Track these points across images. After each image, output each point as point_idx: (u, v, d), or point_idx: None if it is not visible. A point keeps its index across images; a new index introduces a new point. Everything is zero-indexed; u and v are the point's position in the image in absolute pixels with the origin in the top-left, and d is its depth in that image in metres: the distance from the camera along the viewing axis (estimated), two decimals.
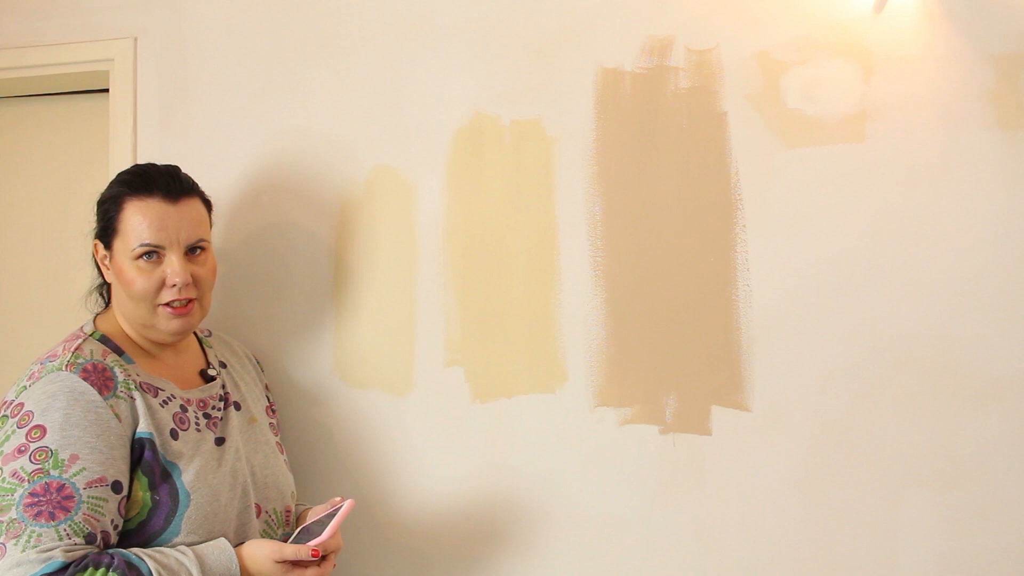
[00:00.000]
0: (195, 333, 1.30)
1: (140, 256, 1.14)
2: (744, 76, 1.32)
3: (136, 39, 1.59)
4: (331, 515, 1.13)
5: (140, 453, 1.08)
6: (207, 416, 1.19)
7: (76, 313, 1.71)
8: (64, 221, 1.73)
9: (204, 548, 1.05)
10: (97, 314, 1.23)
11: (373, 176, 1.47)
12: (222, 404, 1.23)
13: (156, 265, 1.14)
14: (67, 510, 0.98)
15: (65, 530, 0.97)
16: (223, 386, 1.26)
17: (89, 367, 1.08)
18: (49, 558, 0.94)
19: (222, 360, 1.31)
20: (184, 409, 1.16)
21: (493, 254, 1.42)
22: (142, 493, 1.07)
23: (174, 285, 1.14)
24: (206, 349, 1.30)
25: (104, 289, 1.27)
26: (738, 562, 1.31)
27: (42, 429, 1.01)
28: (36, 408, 1.03)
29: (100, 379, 1.08)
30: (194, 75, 1.57)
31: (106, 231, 1.18)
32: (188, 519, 1.08)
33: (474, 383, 1.41)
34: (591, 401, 1.37)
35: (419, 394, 1.44)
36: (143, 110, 1.59)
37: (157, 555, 1.01)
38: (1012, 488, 1.22)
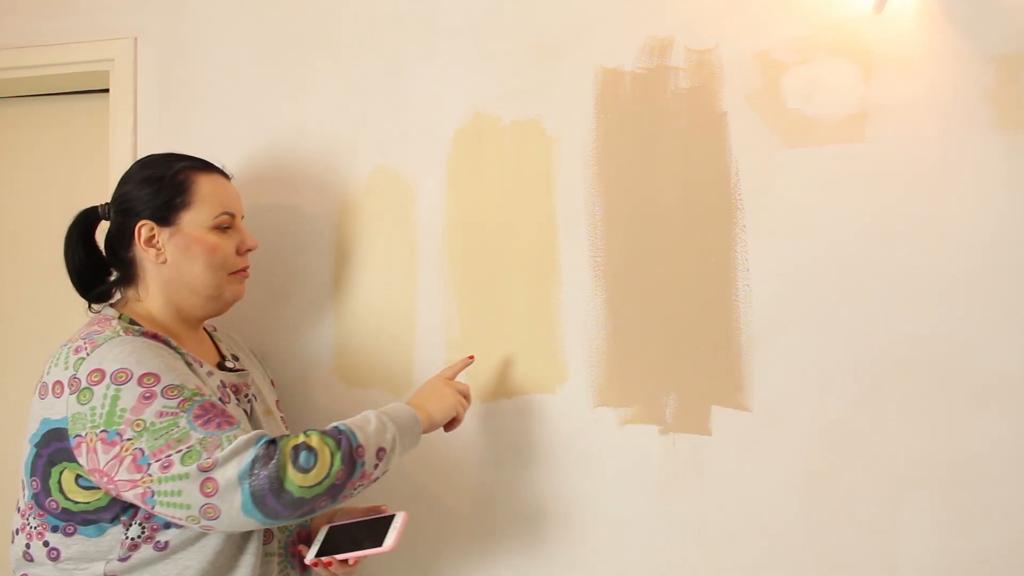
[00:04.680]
0: (204, 327, 1.30)
1: (218, 226, 1.19)
2: (744, 76, 1.32)
3: (136, 39, 1.60)
4: (377, 520, 1.17)
5: None
6: (238, 402, 1.19)
7: (75, 313, 1.71)
8: (64, 221, 1.73)
9: (387, 408, 1.13)
10: (108, 305, 1.20)
11: (373, 176, 1.47)
12: (248, 396, 1.23)
13: (228, 233, 1.21)
14: (229, 419, 1.01)
15: (243, 429, 1.02)
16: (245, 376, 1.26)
17: (146, 333, 1.09)
18: (257, 435, 1.00)
19: (233, 354, 1.31)
20: (222, 385, 1.16)
21: (493, 254, 1.42)
22: None
23: (248, 250, 1.24)
24: (217, 343, 1.30)
25: (125, 279, 1.21)
26: (738, 562, 1.31)
27: (153, 376, 1.01)
28: (126, 363, 1.01)
29: (159, 340, 1.09)
30: (194, 75, 1.57)
31: (168, 207, 1.17)
32: None
33: (474, 383, 1.41)
34: (591, 401, 1.37)
35: None
36: (143, 110, 1.59)
37: (343, 421, 1.08)
38: (1012, 488, 1.22)
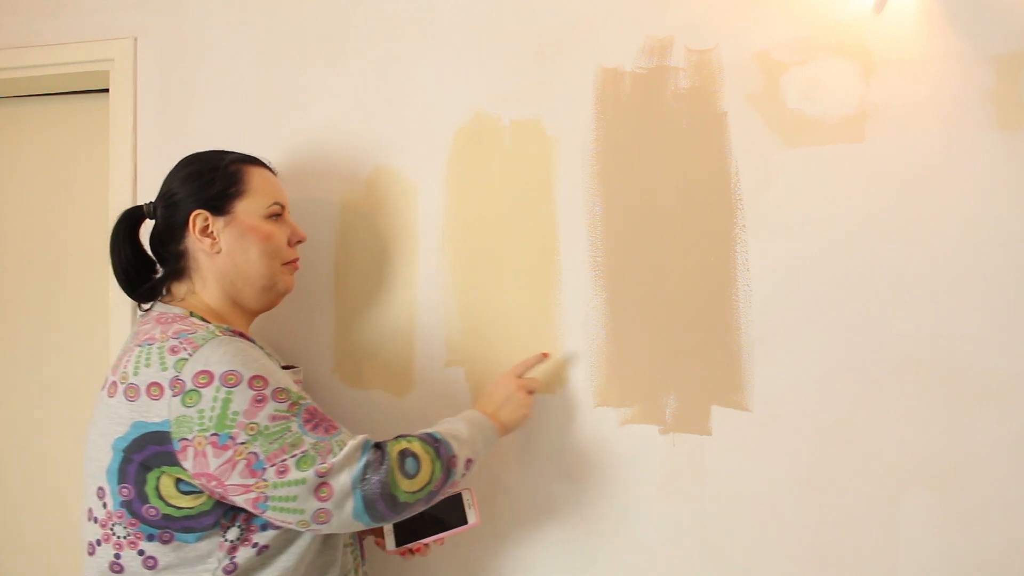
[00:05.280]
0: None
1: (271, 215, 1.21)
2: (744, 76, 1.32)
3: (136, 39, 1.60)
4: (442, 500, 1.21)
5: None
6: None
7: (75, 312, 1.72)
8: (64, 221, 1.73)
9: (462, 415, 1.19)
10: (161, 302, 1.17)
11: (373, 176, 1.47)
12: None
13: (280, 223, 1.23)
14: (334, 425, 1.04)
15: (351, 435, 1.05)
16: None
17: (234, 332, 1.08)
18: (364, 439, 1.04)
19: (267, 352, 1.31)
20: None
21: (493, 254, 1.42)
22: None
23: (299, 242, 1.26)
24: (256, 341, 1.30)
25: (175, 273, 1.18)
26: (738, 562, 1.31)
27: (261, 379, 1.00)
28: (232, 366, 1.00)
29: (247, 339, 1.09)
30: (194, 75, 1.57)
31: (223, 196, 1.17)
32: None
33: (474, 383, 1.41)
34: (591, 401, 1.37)
35: (419, 394, 1.44)
36: (143, 110, 1.59)
37: (434, 427, 1.13)
38: (1012, 488, 1.22)
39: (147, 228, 1.22)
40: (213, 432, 0.97)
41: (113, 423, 1.01)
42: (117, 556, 1.02)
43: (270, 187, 1.22)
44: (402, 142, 1.46)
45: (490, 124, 1.43)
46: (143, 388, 1.00)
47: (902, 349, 1.25)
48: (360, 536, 1.26)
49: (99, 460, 1.03)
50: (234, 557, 1.02)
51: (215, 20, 1.56)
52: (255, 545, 1.03)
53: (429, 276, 1.44)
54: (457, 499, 1.21)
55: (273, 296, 1.23)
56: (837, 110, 1.29)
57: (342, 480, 0.98)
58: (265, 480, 0.97)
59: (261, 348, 1.26)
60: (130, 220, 1.21)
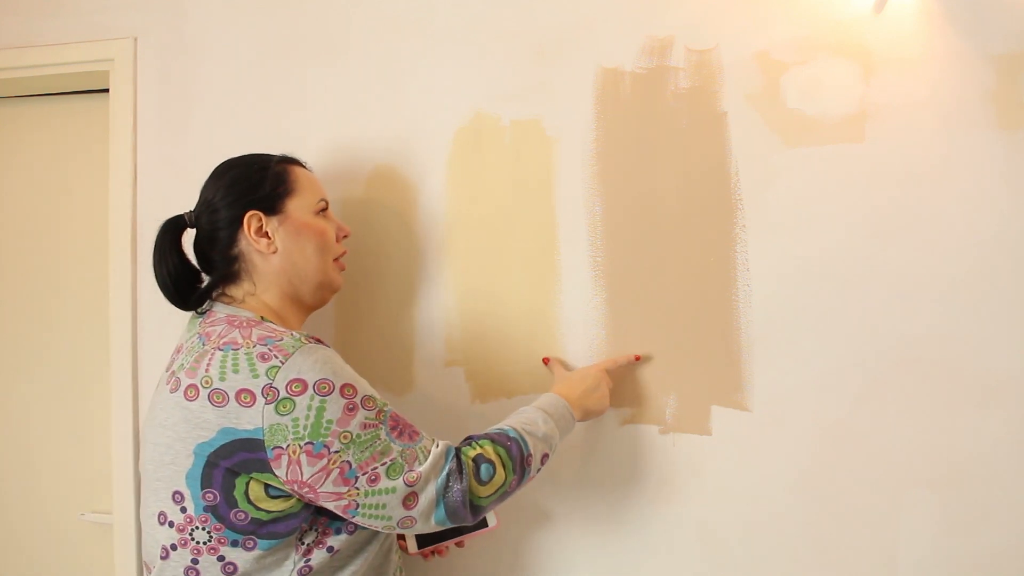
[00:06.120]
0: None
1: (319, 210, 1.22)
2: (744, 76, 1.32)
3: (136, 39, 1.60)
4: None
5: None
6: None
7: (75, 312, 1.72)
8: (64, 221, 1.73)
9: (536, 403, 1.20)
10: (219, 303, 1.15)
11: (373, 176, 1.47)
12: None
13: (328, 218, 1.25)
14: (417, 431, 1.06)
15: (431, 440, 1.06)
16: None
17: (313, 338, 1.07)
18: (445, 446, 1.06)
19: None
20: None
21: (493, 254, 1.42)
22: None
23: (345, 236, 1.27)
24: None
25: (227, 278, 1.17)
26: (738, 562, 1.31)
27: (351, 387, 1.02)
28: (324, 374, 1.01)
29: (324, 345, 1.09)
30: (194, 75, 1.57)
31: (274, 196, 1.17)
32: None
33: (474, 383, 1.41)
34: None
35: (419, 394, 1.44)
36: (143, 110, 1.59)
37: (510, 421, 1.15)
38: (1012, 488, 1.22)
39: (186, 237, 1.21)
40: (308, 441, 0.98)
41: (195, 427, 1.01)
42: (194, 561, 1.02)
43: (315, 185, 1.24)
44: (402, 142, 1.46)
45: (490, 124, 1.43)
46: (232, 394, 1.00)
47: (902, 349, 1.25)
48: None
49: (176, 464, 1.03)
50: (309, 560, 1.04)
51: (215, 20, 1.56)
52: (329, 549, 1.06)
53: (429, 276, 1.44)
54: None
55: (327, 292, 1.24)
56: (837, 110, 1.29)
57: (429, 490, 1.01)
58: (357, 488, 0.99)
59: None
60: (174, 230, 1.20)
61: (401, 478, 1.00)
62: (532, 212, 1.40)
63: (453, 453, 1.05)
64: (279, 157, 1.24)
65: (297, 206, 1.19)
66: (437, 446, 1.05)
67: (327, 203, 1.24)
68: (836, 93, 1.29)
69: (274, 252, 1.16)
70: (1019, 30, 1.23)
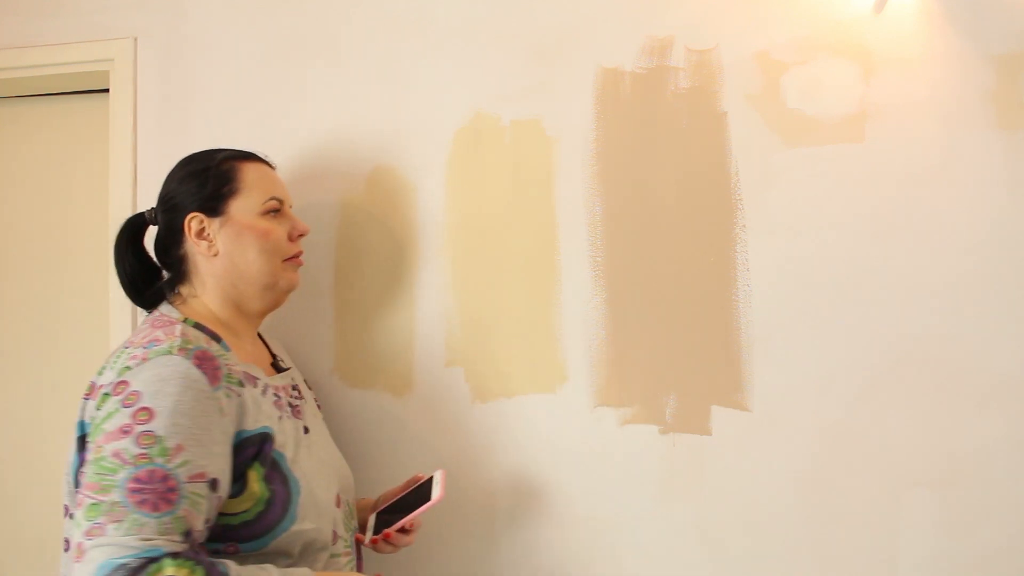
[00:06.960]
0: None
1: (268, 211, 1.18)
2: (744, 76, 1.32)
3: (136, 39, 1.60)
4: (418, 487, 1.24)
5: (260, 447, 1.04)
6: (291, 405, 1.16)
7: (74, 312, 1.72)
8: (64, 221, 1.73)
9: (288, 571, 1.01)
10: (166, 303, 1.15)
11: (373, 176, 1.47)
12: (297, 393, 1.21)
13: (279, 219, 1.20)
14: (170, 503, 0.92)
15: (167, 523, 0.91)
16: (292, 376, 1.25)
17: (200, 354, 1.01)
18: (152, 546, 0.89)
19: (277, 352, 1.30)
20: (277, 397, 1.13)
21: (493, 254, 1.42)
22: (259, 485, 1.03)
23: (300, 236, 1.23)
24: (267, 342, 1.29)
25: (177, 278, 1.18)
26: (738, 562, 1.31)
27: (150, 412, 0.95)
28: (145, 389, 0.96)
29: (211, 368, 1.01)
30: (194, 75, 1.57)
31: (216, 197, 1.15)
32: (302, 506, 1.05)
33: (474, 383, 1.41)
34: (591, 401, 1.37)
35: (419, 394, 1.44)
36: (143, 110, 1.59)
37: (238, 566, 0.96)
38: (1012, 488, 1.22)
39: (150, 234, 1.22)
40: (93, 437, 0.98)
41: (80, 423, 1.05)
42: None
43: (266, 182, 1.20)
44: (402, 142, 1.46)
45: (490, 124, 1.43)
46: (97, 388, 1.02)
47: (902, 349, 1.25)
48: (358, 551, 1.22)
49: (72, 460, 1.06)
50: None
51: (215, 20, 1.56)
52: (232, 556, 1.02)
53: (429, 276, 1.44)
54: (427, 483, 1.23)
55: (277, 294, 1.21)
56: (837, 110, 1.29)
57: (93, 556, 0.88)
58: (79, 498, 0.94)
59: (268, 348, 1.27)
60: (132, 228, 1.21)
61: (88, 523, 0.89)
62: (532, 212, 1.40)
63: (158, 555, 0.89)
64: (230, 153, 1.20)
65: (241, 207, 1.16)
66: (151, 540, 0.89)
67: (280, 202, 1.20)
68: (836, 93, 1.29)
69: (215, 255, 1.15)
70: (1019, 30, 1.23)
